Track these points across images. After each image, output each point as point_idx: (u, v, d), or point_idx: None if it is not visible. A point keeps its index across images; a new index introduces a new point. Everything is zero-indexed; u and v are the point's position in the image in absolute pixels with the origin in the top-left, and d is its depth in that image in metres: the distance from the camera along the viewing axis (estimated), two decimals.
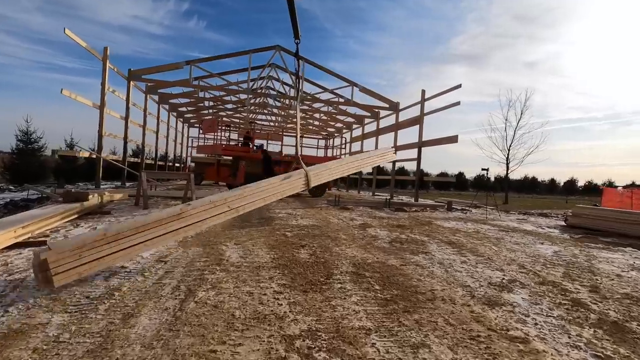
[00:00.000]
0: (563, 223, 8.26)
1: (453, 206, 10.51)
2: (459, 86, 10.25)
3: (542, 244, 5.06)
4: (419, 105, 11.93)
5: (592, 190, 50.08)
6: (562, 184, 51.55)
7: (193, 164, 14.84)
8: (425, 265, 3.43)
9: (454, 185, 45.51)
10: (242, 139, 13.64)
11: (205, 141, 13.99)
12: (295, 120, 5.30)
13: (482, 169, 9.18)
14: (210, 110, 19.45)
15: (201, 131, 13.98)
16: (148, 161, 17.27)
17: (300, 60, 4.95)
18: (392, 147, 9.20)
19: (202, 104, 18.85)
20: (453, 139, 9.97)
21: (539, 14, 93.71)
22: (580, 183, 50.37)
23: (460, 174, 45.53)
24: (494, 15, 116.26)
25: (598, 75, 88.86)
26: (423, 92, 11.81)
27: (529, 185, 48.85)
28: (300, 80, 5.32)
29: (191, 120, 22.33)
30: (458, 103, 10.21)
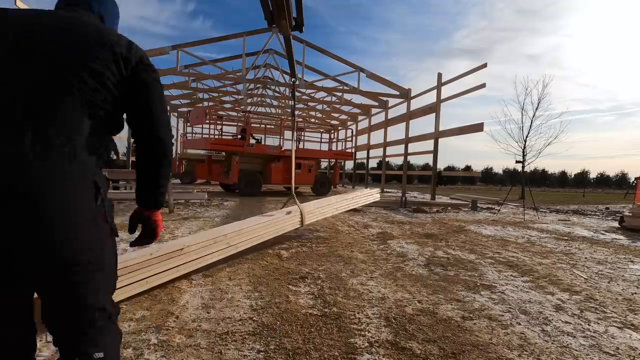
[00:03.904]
0: (617, 225, 6.90)
1: (478, 205, 9.16)
2: (485, 65, 8.83)
3: (631, 262, 3.71)
4: (434, 91, 10.52)
5: (604, 182, 48.50)
6: (572, 176, 49.94)
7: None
8: (504, 321, 2.10)
9: (462, 179, 44.18)
10: (240, 132, 11.89)
11: (193, 135, 12.55)
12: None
13: (517, 162, 7.81)
14: (206, 103, 18.10)
15: (188, 123, 12.54)
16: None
17: (295, 95, 5.19)
18: (377, 190, 7.59)
19: (195, 96, 17.55)
20: (478, 127, 8.58)
21: (541, 7, 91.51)
22: (589, 175, 48.69)
23: (468, 168, 44.13)
24: (497, 9, 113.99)
25: (599, 66, 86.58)
26: (439, 75, 10.39)
27: (539, 178, 47.31)
28: (295, 112, 5.40)
29: (186, 115, 21.00)
30: (483, 85, 8.80)
